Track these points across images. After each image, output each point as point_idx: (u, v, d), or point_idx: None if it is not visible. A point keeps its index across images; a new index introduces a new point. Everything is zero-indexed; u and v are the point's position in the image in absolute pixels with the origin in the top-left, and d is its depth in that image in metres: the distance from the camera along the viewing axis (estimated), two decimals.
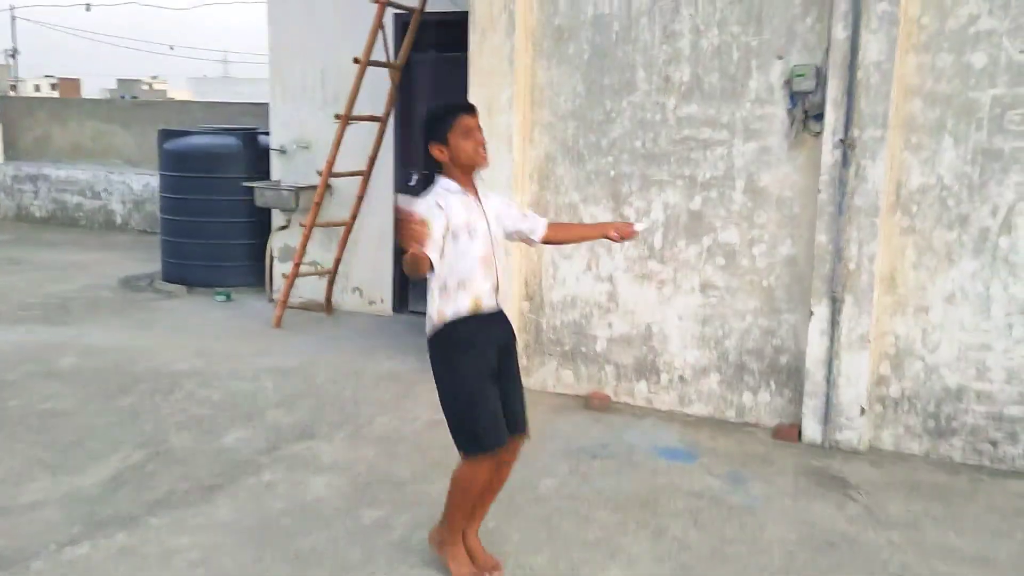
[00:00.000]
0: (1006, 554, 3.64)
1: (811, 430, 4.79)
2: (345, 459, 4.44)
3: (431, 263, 3.06)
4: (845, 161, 4.54)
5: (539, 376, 5.59)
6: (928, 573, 3.47)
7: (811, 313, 4.72)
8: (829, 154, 4.59)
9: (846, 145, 4.52)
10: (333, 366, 6.03)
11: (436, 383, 3.27)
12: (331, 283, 7.58)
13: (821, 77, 4.62)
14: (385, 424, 4.93)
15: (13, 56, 53.63)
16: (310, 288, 7.78)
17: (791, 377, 4.92)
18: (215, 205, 8.38)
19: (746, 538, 3.72)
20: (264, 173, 8.15)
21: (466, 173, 3.28)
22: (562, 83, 5.30)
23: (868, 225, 4.54)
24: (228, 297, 8.20)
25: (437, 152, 3.24)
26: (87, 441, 4.60)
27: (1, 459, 4.34)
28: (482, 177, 5.07)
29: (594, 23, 5.15)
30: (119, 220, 12.66)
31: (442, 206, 3.15)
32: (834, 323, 4.66)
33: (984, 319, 4.48)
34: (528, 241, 3.62)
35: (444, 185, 3.25)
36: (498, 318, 3.34)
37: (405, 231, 2.91)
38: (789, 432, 4.85)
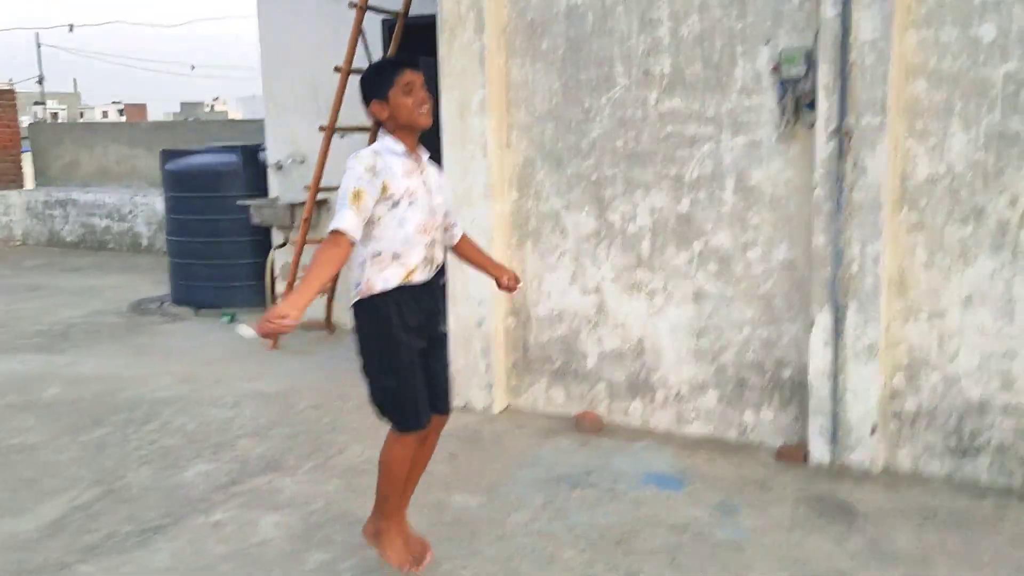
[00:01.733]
0: None
1: (818, 451, 4.34)
2: (304, 494, 4.14)
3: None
4: (841, 153, 4.10)
5: (528, 396, 5.23)
6: None
7: (812, 322, 4.28)
8: (824, 146, 4.15)
9: (841, 135, 4.08)
10: (319, 390, 5.75)
11: (359, 353, 3.15)
12: (331, 301, 7.32)
13: (811, 61, 4.19)
14: (355, 454, 4.62)
15: (40, 82, 55.15)
16: (312, 307, 7.51)
17: (795, 393, 4.48)
18: (218, 225, 8.19)
19: None
20: (266, 190, 7.94)
21: (410, 134, 3.10)
22: (537, 81, 4.94)
23: (870, 222, 4.09)
24: (232, 318, 7.99)
25: (376, 109, 3.08)
26: (43, 479, 4.38)
27: None
28: (454, 188, 4.75)
29: (568, 15, 4.79)
30: (145, 242, 12.63)
31: (378, 171, 2.97)
32: (838, 332, 4.22)
33: (1007, 323, 3.99)
34: (444, 239, 3.36)
35: (388, 145, 3.08)
36: (428, 290, 3.18)
37: (267, 328, 2.72)
38: (794, 453, 4.41)
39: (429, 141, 6.79)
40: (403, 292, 3.08)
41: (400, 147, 3.09)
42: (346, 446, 4.74)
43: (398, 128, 3.09)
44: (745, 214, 4.50)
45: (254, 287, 8.16)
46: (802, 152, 4.31)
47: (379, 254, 3.04)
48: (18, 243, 13.53)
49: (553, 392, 5.16)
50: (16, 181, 13.82)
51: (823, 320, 4.25)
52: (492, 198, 5.04)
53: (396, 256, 3.05)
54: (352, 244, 2.93)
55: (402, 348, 3.10)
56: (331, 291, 7.28)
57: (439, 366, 3.32)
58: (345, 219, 2.91)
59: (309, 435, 4.92)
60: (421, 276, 3.12)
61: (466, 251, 3.53)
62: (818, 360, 4.29)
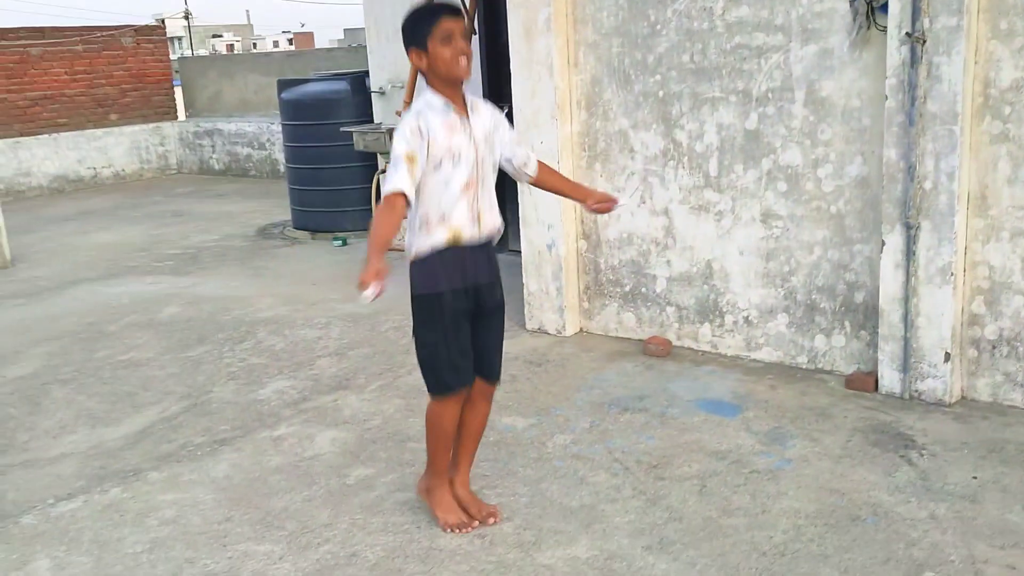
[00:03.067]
0: None
1: (889, 379, 4.13)
2: (365, 412, 4.34)
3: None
4: (914, 59, 3.77)
5: (600, 320, 5.21)
6: (959, 559, 2.86)
7: (883, 243, 4.02)
8: (896, 52, 3.83)
9: (913, 40, 3.74)
10: (406, 312, 5.88)
11: (412, 313, 3.15)
12: None
13: None
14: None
15: (186, 17, 57.63)
16: None
17: (868, 318, 4.25)
18: (329, 152, 8.46)
19: (753, 509, 3.25)
20: (372, 117, 8.12)
21: (449, 85, 2.99)
22: None
23: (945, 134, 3.76)
24: (344, 242, 8.32)
25: (415, 58, 2.99)
26: (141, 392, 4.79)
27: (57, 410, 4.60)
28: (522, 109, 4.72)
29: None
30: (282, 169, 13.20)
31: (423, 133, 2.91)
32: (910, 254, 3.95)
33: None
34: (518, 175, 3.33)
35: (427, 100, 2.99)
36: (481, 252, 3.11)
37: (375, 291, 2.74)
38: (865, 381, 4.21)
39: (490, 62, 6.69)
40: (451, 253, 3.01)
41: (439, 100, 2.97)
42: (415, 367, 4.80)
43: (436, 79, 2.97)
44: (816, 129, 4.24)
45: (364, 212, 8.41)
46: (877, 60, 3.99)
47: (426, 218, 2.98)
48: (173, 172, 14.49)
49: (624, 316, 5.12)
50: (170, 113, 14.71)
51: (894, 241, 3.98)
52: (560, 119, 4.97)
53: (442, 218, 2.98)
54: (408, 204, 2.90)
55: (445, 310, 3.05)
56: None
57: (492, 335, 3.23)
58: (401, 180, 2.87)
59: (384, 355, 5.12)
60: (470, 236, 3.03)
61: (547, 180, 3.40)
62: (889, 284, 4.04)
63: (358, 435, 4.08)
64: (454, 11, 3.02)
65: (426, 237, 3.00)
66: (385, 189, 2.91)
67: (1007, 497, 3.21)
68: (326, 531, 3.27)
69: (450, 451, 3.26)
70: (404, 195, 2.87)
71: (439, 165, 2.94)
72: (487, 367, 3.23)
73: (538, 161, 3.37)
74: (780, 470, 3.52)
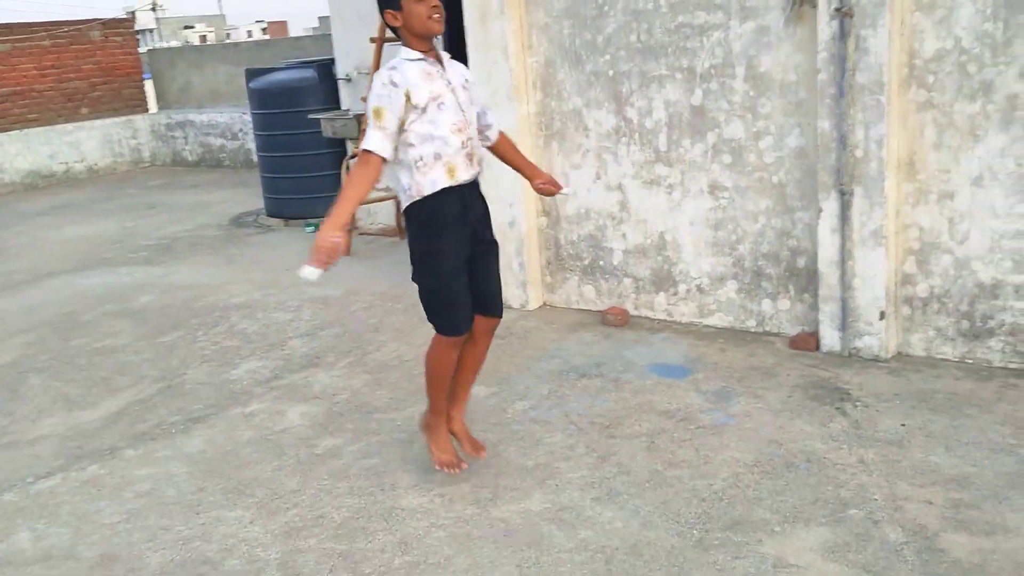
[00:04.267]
0: (993, 474, 3.17)
1: (829, 338, 4.35)
2: (334, 387, 4.52)
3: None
4: (843, 33, 3.97)
5: (562, 293, 5.41)
6: (882, 497, 3.08)
7: (820, 210, 4.23)
8: (826, 27, 4.02)
9: (842, 14, 3.94)
10: (375, 293, 6.11)
11: (410, 256, 3.28)
12: (399, 207, 7.63)
13: None
14: (390, 351, 4.95)
15: (153, 9, 57.17)
16: (385, 213, 7.88)
17: (810, 281, 4.46)
18: (300, 139, 8.59)
19: (696, 461, 3.46)
20: (340, 103, 8.25)
21: (424, 40, 3.18)
22: None
23: (873, 104, 3.97)
24: (316, 228, 8.40)
25: (390, 18, 3.17)
26: (116, 377, 4.95)
27: (35, 396, 4.76)
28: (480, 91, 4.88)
29: None
30: (255, 158, 13.29)
31: (397, 83, 3.08)
32: (844, 219, 4.16)
33: (1019, 201, 3.84)
34: (480, 136, 3.47)
35: (404, 55, 3.18)
36: (474, 190, 3.30)
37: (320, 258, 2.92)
38: (807, 341, 4.43)
39: (452, 46, 6.83)
40: (451, 193, 3.16)
41: (415, 53, 3.14)
42: (383, 344, 5.09)
43: (412, 36, 3.15)
44: (756, 103, 4.44)
45: (334, 197, 8.56)
46: (810, 35, 4.18)
47: (421, 158, 3.11)
48: (147, 164, 14.54)
49: (585, 288, 5.32)
50: (141, 106, 14.74)
51: (830, 207, 4.19)
52: (516, 100, 5.14)
53: (438, 157, 3.11)
54: (383, 161, 3.06)
55: (447, 251, 3.19)
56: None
57: (489, 270, 3.37)
58: (371, 139, 3.05)
59: (353, 335, 5.30)
60: (465, 174, 3.18)
61: (504, 150, 3.57)
62: (827, 247, 4.25)
63: (327, 409, 4.26)
64: None
65: (424, 176, 3.13)
66: (361, 146, 3.09)
67: (931, 441, 3.44)
68: (294, 496, 3.46)
69: (447, 389, 3.42)
70: (376, 153, 3.04)
71: (425, 109, 3.09)
72: (488, 303, 3.38)
73: (500, 131, 3.54)
74: (724, 425, 3.74)
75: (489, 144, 3.52)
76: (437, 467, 3.45)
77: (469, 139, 3.22)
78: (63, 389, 4.83)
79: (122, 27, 14.68)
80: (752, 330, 4.72)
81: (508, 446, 3.72)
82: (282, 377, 4.72)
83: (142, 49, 17.70)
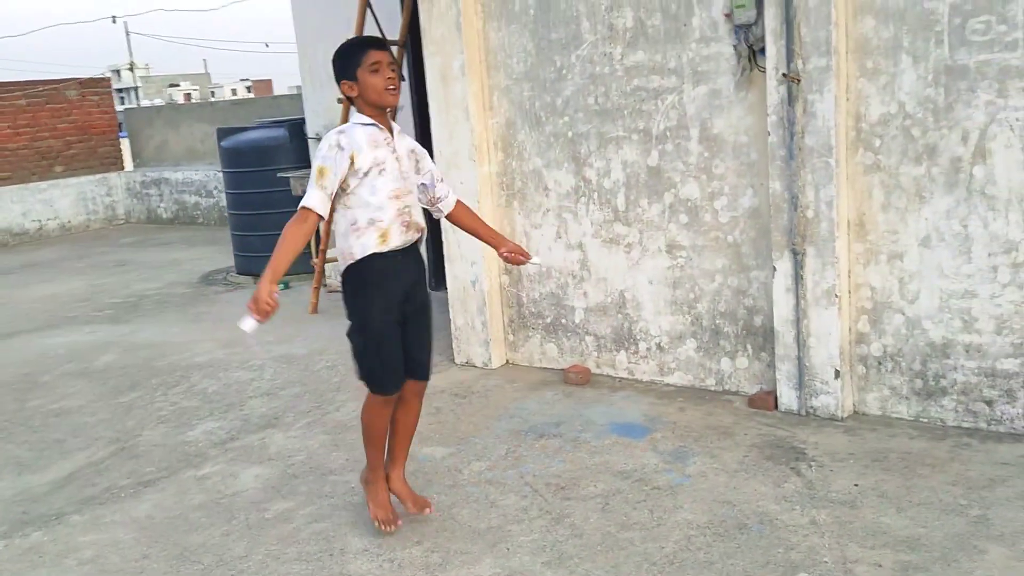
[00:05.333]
0: (942, 535, 3.16)
1: (787, 397, 4.35)
2: (290, 448, 4.46)
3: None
4: (791, 98, 4.05)
5: (525, 351, 5.41)
6: (832, 560, 3.06)
7: (774, 269, 4.28)
8: (775, 91, 4.11)
9: (789, 80, 4.03)
10: (340, 351, 6.05)
11: (347, 317, 3.36)
12: None
13: (761, 6, 4.13)
14: (349, 411, 4.91)
15: (131, 69, 57.91)
16: None
17: (767, 340, 4.49)
18: (269, 197, 8.62)
19: (649, 523, 3.43)
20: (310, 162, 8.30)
21: (378, 110, 3.27)
22: (513, 43, 5.04)
23: (822, 166, 4.04)
24: (286, 286, 8.43)
25: (346, 89, 3.26)
26: (70, 439, 4.87)
27: None
28: (442, 151, 4.93)
29: None
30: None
31: (343, 146, 3.16)
32: (798, 278, 4.20)
33: (965, 262, 3.89)
34: (433, 208, 3.57)
35: (356, 118, 3.28)
36: (409, 256, 3.35)
37: (260, 311, 3.00)
38: (765, 400, 4.44)
39: (420, 107, 6.90)
40: (382, 258, 3.24)
41: (367, 119, 3.24)
42: (343, 404, 5.05)
43: (367, 105, 3.25)
44: (710, 164, 4.50)
45: (304, 255, 8.50)
46: (760, 98, 4.27)
47: (355, 222, 3.21)
48: (121, 222, 14.53)
49: (547, 346, 5.32)
50: (116, 164, 14.78)
51: (783, 266, 4.24)
52: (478, 160, 5.20)
53: (371, 222, 3.20)
54: (320, 218, 3.14)
55: (377, 313, 3.28)
56: None
57: (420, 334, 3.43)
58: (311, 197, 3.13)
59: (314, 394, 5.26)
60: (398, 241, 3.25)
61: (463, 219, 3.64)
62: (781, 307, 4.29)
63: (281, 471, 4.21)
64: (380, 44, 3.32)
65: (356, 240, 3.22)
66: (300, 203, 3.14)
67: (884, 502, 3.43)
68: (241, 563, 3.39)
69: (384, 448, 3.50)
70: (313, 211, 3.12)
71: (367, 173, 3.18)
72: (417, 366, 3.45)
73: (458, 200, 3.63)
74: (679, 486, 3.71)
75: (445, 214, 3.60)
76: (376, 524, 3.47)
77: (407, 207, 3.29)
78: (15, 452, 4.75)
79: (99, 86, 14.78)
80: (712, 388, 4.73)
81: (462, 508, 3.68)
82: (238, 438, 4.67)
83: (120, 108, 17.79)
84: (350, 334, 3.38)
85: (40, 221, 13.50)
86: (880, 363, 4.19)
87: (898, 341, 4.12)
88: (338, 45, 3.36)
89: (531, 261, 3.62)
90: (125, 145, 15.31)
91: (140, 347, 6.66)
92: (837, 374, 4.18)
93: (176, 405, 5.28)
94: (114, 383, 5.82)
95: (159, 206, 14.23)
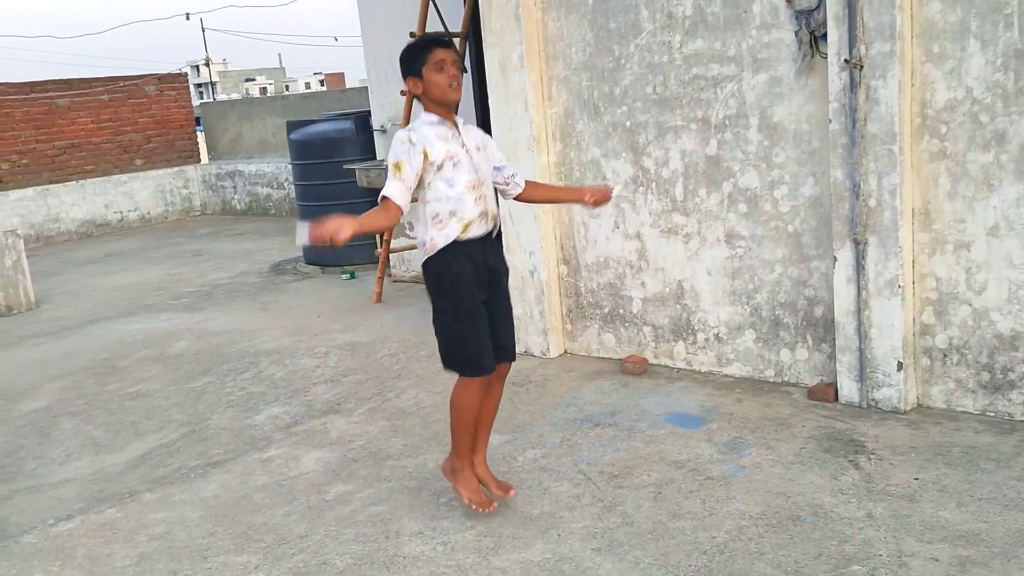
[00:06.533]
0: (1004, 531, 3.08)
1: (847, 389, 4.29)
2: (351, 433, 4.57)
3: (395, 208, 3.17)
4: (853, 84, 3.98)
5: (583, 341, 5.42)
6: (887, 553, 3.02)
7: (835, 259, 4.21)
8: (836, 78, 4.04)
9: (851, 66, 3.95)
10: (401, 340, 6.19)
11: (432, 307, 3.45)
12: None
13: None
14: (409, 398, 5.00)
15: (207, 64, 59.31)
16: (417, 263, 7.99)
17: (828, 331, 4.42)
18: (336, 188, 8.79)
19: (701, 513, 3.42)
20: (376, 154, 8.44)
21: (443, 107, 3.35)
22: (571, 33, 5.04)
23: (885, 154, 3.96)
24: (352, 275, 8.61)
25: (412, 85, 3.36)
26: (144, 421, 5.07)
27: (65, 439, 4.89)
28: (501, 142, 4.98)
29: None
30: None
31: (414, 141, 3.25)
32: (859, 268, 4.13)
33: None
34: (506, 188, 3.65)
35: (424, 118, 3.37)
36: (489, 244, 3.44)
37: (318, 232, 3.01)
38: (826, 392, 4.38)
39: (482, 98, 6.94)
40: (464, 246, 3.32)
41: (434, 117, 3.32)
42: (404, 391, 5.14)
43: (431, 102, 3.34)
44: (770, 152, 4.45)
45: (369, 246, 8.71)
46: (822, 85, 4.20)
47: (437, 214, 3.30)
48: (197, 213, 14.97)
49: (605, 336, 5.32)
50: (193, 157, 15.21)
51: (845, 256, 4.17)
52: (536, 150, 5.22)
53: (452, 213, 3.28)
54: (399, 209, 3.22)
55: (465, 299, 3.35)
56: None
57: (503, 316, 3.52)
58: (390, 187, 3.22)
59: (376, 381, 5.36)
60: (478, 230, 3.35)
61: (537, 192, 3.77)
62: (842, 297, 4.22)
63: (341, 455, 4.31)
64: (445, 43, 3.41)
65: (439, 231, 3.30)
66: (381, 193, 3.23)
67: (944, 496, 3.36)
68: (301, 542, 3.50)
69: (473, 433, 3.55)
70: (392, 200, 3.20)
71: (441, 167, 3.27)
72: (502, 349, 3.52)
73: (526, 181, 3.71)
74: (733, 476, 3.70)
75: (518, 192, 3.66)
76: (472, 507, 3.52)
77: (482, 196, 3.36)
78: (92, 433, 4.97)
79: (176, 82, 15.22)
80: (770, 380, 4.68)
81: (516, 495, 3.72)
82: (302, 423, 4.79)
83: (196, 102, 18.28)
84: (437, 322, 3.44)
85: (121, 212, 13.99)
86: (945, 355, 4.09)
87: (964, 333, 4.02)
88: (401, 39, 3.47)
89: (613, 191, 3.64)
90: (201, 139, 15.75)
91: (212, 334, 6.87)
92: (900, 366, 4.10)
93: (244, 390, 5.44)
94: (187, 368, 6.02)
95: (233, 198, 14.60)
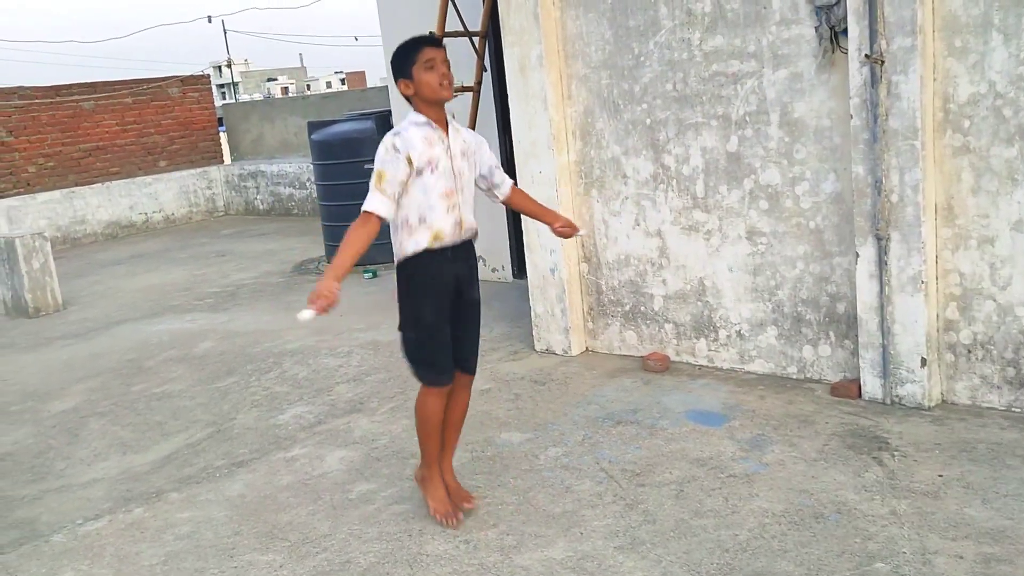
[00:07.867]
0: None
1: (871, 385, 4.26)
2: (374, 433, 4.60)
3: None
4: (874, 79, 3.95)
5: (604, 339, 5.43)
6: (911, 551, 3.00)
7: (857, 255, 4.19)
8: (857, 73, 4.01)
9: (872, 61, 3.93)
10: None
11: (399, 312, 3.46)
12: None
13: None
14: None
15: (229, 66, 59.68)
16: None
17: (850, 327, 4.40)
18: (358, 188, 8.74)
19: (724, 511, 3.42)
20: None
21: (433, 107, 3.33)
22: (590, 32, 5.04)
23: (907, 149, 3.93)
24: (374, 274, 8.66)
25: (403, 87, 3.34)
26: (170, 421, 5.13)
27: (93, 440, 4.96)
28: (521, 141, 5.00)
29: None
30: None
31: (399, 148, 3.22)
32: (882, 264, 4.10)
33: None
34: (490, 195, 3.68)
35: (411, 118, 3.34)
36: (460, 253, 3.42)
37: (320, 304, 3.04)
38: (849, 388, 4.36)
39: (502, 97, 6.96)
40: (434, 255, 3.32)
41: (422, 118, 3.29)
42: None
43: (423, 103, 3.31)
44: (791, 149, 4.43)
45: (391, 245, 8.75)
46: (842, 81, 4.18)
47: (407, 219, 3.29)
48: (220, 213, 15.09)
49: (626, 334, 5.32)
50: (216, 157, 15.34)
51: (867, 252, 4.14)
52: (556, 149, 5.23)
53: (422, 220, 3.27)
54: (380, 221, 3.23)
55: (428, 306, 3.36)
56: None
57: (468, 329, 3.52)
58: (371, 200, 3.23)
59: (398, 380, 5.39)
60: (450, 238, 3.33)
61: (519, 202, 3.74)
62: (865, 293, 4.20)
63: (365, 454, 4.35)
64: (434, 42, 3.38)
65: (408, 237, 3.31)
66: (362, 207, 3.25)
67: (968, 493, 3.34)
68: (325, 541, 3.53)
69: (438, 440, 3.57)
70: (374, 214, 3.22)
71: (420, 172, 3.24)
72: (464, 361, 3.54)
73: (512, 186, 3.70)
74: (756, 474, 3.69)
75: (502, 199, 3.68)
76: (437, 518, 3.53)
77: (455, 206, 3.33)
78: (120, 433, 5.03)
79: (199, 83, 15.34)
80: (793, 377, 4.66)
81: (537, 493, 3.74)
82: (325, 422, 4.83)
83: (219, 102, 18.43)
84: (402, 328, 3.46)
85: (146, 214, 14.13)
86: (970, 351, 4.06)
87: (989, 328, 3.99)
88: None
89: (579, 233, 3.73)
90: (224, 140, 15.88)
91: (236, 335, 6.93)
92: (924, 362, 4.07)
93: (268, 390, 5.49)
94: (212, 369, 6.08)
95: (256, 198, 14.70)
